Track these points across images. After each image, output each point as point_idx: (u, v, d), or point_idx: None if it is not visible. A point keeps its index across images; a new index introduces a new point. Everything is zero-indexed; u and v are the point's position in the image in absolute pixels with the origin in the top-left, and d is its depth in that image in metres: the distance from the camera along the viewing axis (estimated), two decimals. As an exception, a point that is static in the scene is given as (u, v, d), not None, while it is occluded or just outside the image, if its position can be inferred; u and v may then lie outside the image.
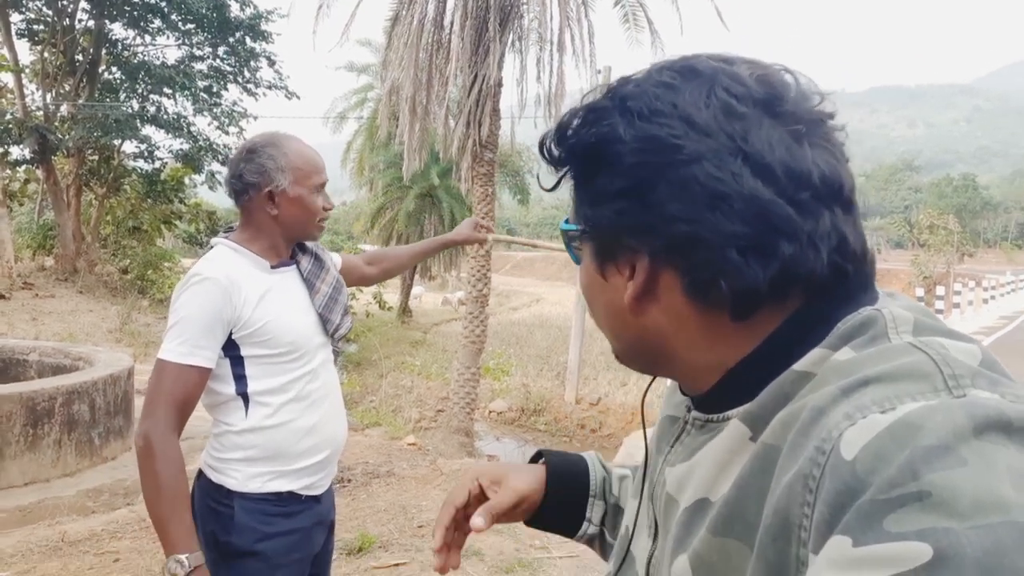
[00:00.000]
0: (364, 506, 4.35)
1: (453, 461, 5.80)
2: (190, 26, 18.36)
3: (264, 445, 1.67)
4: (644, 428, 0.77)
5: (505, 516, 0.83)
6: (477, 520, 0.79)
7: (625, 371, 12.35)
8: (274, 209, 1.70)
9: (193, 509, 1.62)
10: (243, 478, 1.66)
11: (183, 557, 1.48)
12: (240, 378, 1.66)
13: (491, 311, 11.78)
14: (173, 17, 18.01)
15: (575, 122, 0.59)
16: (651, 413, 6.79)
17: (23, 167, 18.31)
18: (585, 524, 0.87)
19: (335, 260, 2.02)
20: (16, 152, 17.39)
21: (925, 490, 0.38)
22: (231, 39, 18.52)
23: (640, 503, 0.71)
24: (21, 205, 21.88)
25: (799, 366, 0.52)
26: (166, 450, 1.53)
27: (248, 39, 18.76)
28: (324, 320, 1.79)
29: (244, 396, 1.66)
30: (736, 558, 0.50)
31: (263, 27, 18.60)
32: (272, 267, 1.73)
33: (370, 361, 16.63)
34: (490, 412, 13.18)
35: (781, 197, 0.52)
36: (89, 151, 17.75)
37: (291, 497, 1.70)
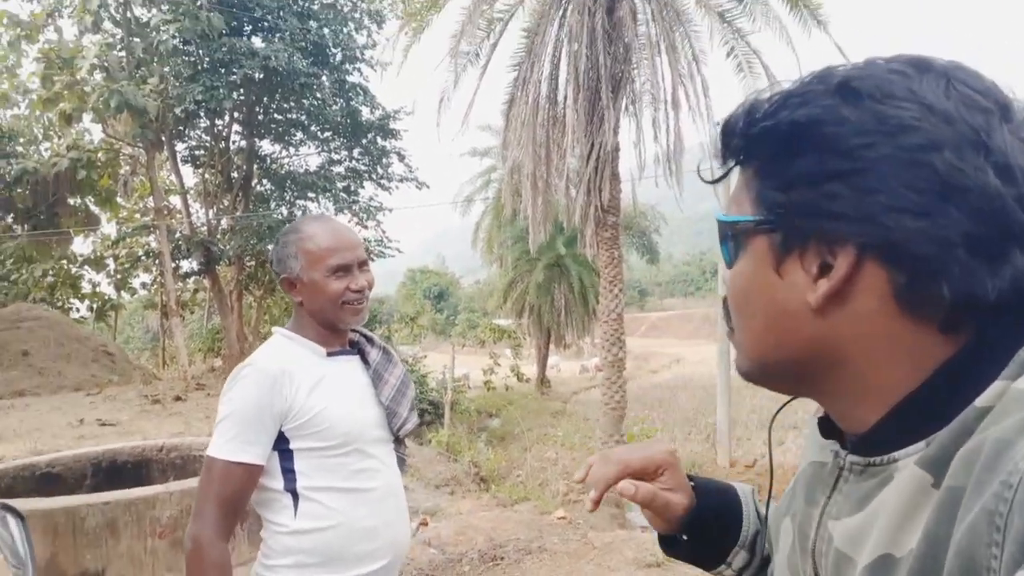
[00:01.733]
0: (519, 584, 4.29)
1: (605, 534, 5.63)
2: (327, 134, 20.02)
3: (316, 549, 1.53)
4: (771, 457, 0.71)
5: (650, 505, 0.78)
6: (628, 486, 0.75)
7: (782, 430, 11.64)
8: (297, 296, 1.63)
9: None
10: None
11: None
12: (289, 472, 1.54)
13: (630, 375, 11.57)
14: (313, 128, 19.74)
15: (768, 107, 0.55)
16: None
17: (192, 278, 20.36)
18: (724, 567, 0.82)
19: None
20: (185, 265, 19.42)
21: None
22: (364, 140, 19.98)
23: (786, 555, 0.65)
24: (192, 313, 24.25)
25: (981, 401, 0.47)
26: (213, 555, 1.44)
27: (379, 139, 20.16)
28: (391, 414, 1.67)
29: (293, 493, 1.54)
30: None
31: (391, 126, 19.97)
32: (328, 354, 1.64)
33: (512, 435, 16.67)
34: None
35: (1018, 203, 0.47)
36: (247, 258, 19.46)
37: None
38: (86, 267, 24.71)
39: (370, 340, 1.76)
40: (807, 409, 0.65)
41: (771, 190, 0.55)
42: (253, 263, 20.16)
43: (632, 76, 10.35)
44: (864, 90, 0.51)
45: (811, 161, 0.52)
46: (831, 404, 0.59)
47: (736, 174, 0.60)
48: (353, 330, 1.74)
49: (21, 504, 0.93)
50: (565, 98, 10.37)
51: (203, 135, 19.78)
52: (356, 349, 1.73)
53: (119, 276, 25.15)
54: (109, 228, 23.33)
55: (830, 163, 0.51)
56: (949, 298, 0.48)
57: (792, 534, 0.65)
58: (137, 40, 16.45)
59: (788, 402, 0.66)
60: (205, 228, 19.76)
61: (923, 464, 0.49)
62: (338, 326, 1.65)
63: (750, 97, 0.57)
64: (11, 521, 0.91)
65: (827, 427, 0.62)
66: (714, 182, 0.62)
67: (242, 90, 17.66)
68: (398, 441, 1.75)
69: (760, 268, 0.57)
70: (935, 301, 0.49)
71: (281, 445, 1.54)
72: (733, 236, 0.59)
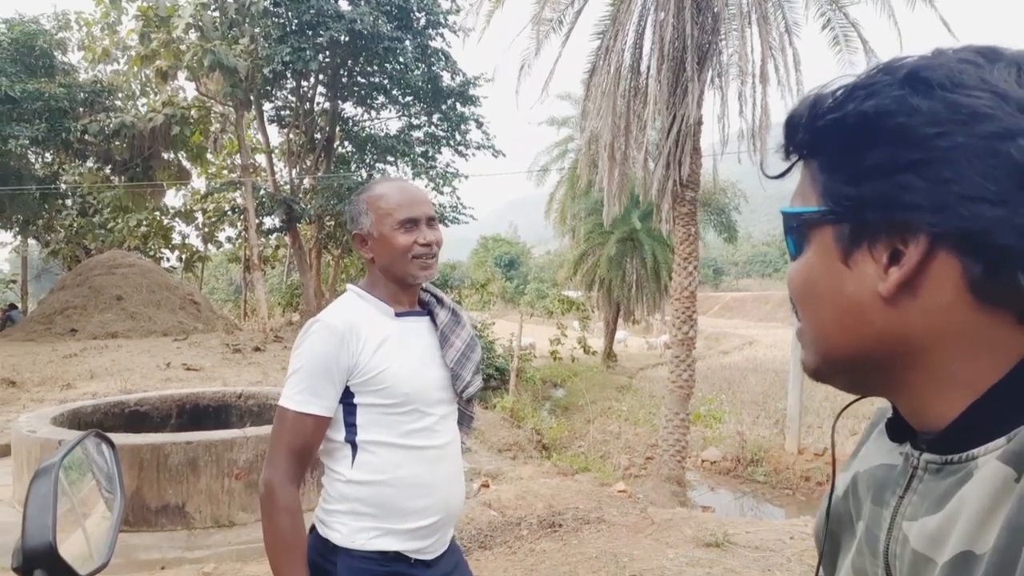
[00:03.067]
0: (575, 552, 4.33)
1: (664, 510, 5.62)
2: (408, 99, 20.25)
3: (370, 499, 1.58)
4: (834, 461, 0.68)
5: None
6: None
7: (855, 419, 11.28)
8: (368, 252, 1.67)
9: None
10: (348, 532, 1.57)
11: None
12: (351, 426, 1.59)
13: (700, 355, 11.40)
14: (394, 92, 20.00)
15: (833, 99, 0.55)
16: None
17: (274, 235, 21.07)
18: None
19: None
20: (268, 222, 20.11)
21: None
22: (444, 106, 20.13)
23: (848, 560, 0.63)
24: (272, 268, 25.17)
25: None
26: (285, 500, 1.50)
27: (458, 105, 20.27)
28: (455, 376, 1.69)
29: (352, 444, 1.59)
30: None
31: (471, 92, 20.02)
32: (397, 314, 1.67)
33: (576, 406, 16.73)
34: (703, 461, 12.63)
35: None
36: (327, 218, 19.99)
37: (398, 558, 1.59)
38: (177, 219, 25.96)
39: (440, 301, 1.77)
40: (878, 402, 0.64)
41: (840, 183, 0.54)
42: (332, 223, 20.70)
43: (719, 47, 10.01)
44: (935, 80, 0.50)
45: (882, 152, 0.51)
46: (905, 400, 0.57)
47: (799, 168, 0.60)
48: (424, 289, 1.76)
49: (112, 438, 0.99)
50: (648, 68, 10.13)
51: (289, 96, 20.30)
52: (426, 310, 1.74)
53: (207, 229, 26.33)
54: (199, 183, 24.42)
55: (902, 153, 0.50)
56: None
57: (857, 538, 0.63)
58: (230, 1, 16.92)
59: (854, 400, 0.65)
60: (288, 187, 20.38)
61: (1006, 459, 0.48)
62: (407, 281, 1.66)
63: (813, 91, 0.57)
64: (104, 449, 0.97)
65: (894, 430, 0.62)
66: (778, 176, 0.62)
67: (327, 52, 18.00)
68: (466, 401, 1.77)
69: (827, 260, 0.56)
70: (1013, 292, 0.48)
71: (347, 399, 1.59)
72: (798, 228, 0.59)
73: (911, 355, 0.53)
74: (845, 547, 0.67)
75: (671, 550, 4.25)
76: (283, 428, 1.54)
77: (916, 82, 0.51)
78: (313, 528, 1.65)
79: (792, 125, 0.58)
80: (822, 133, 0.56)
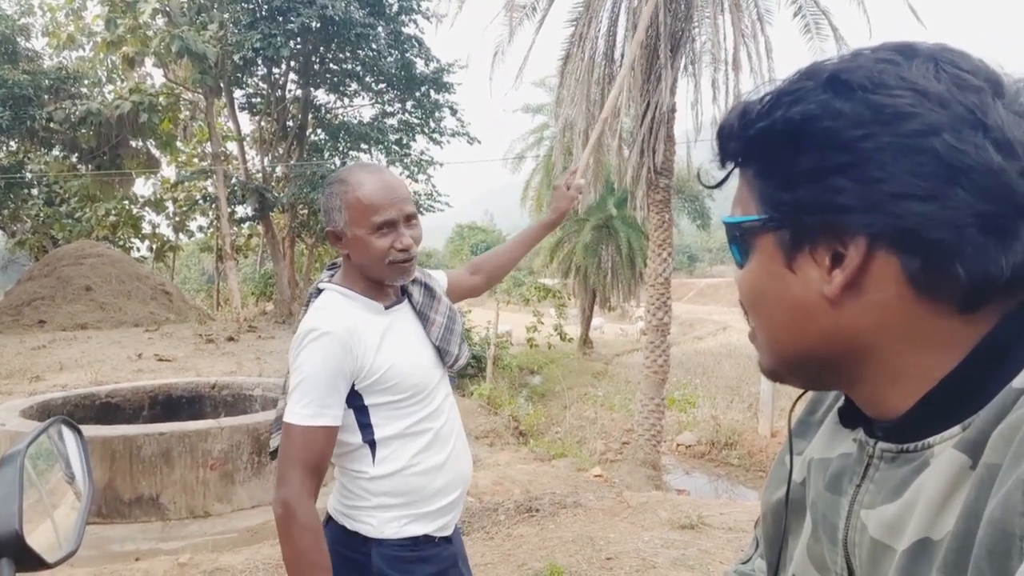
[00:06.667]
0: (552, 536, 4.37)
1: (640, 494, 5.68)
2: (382, 86, 20.04)
3: (397, 490, 1.59)
4: (791, 451, 0.69)
5: None
6: None
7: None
8: (344, 249, 1.60)
9: None
10: (379, 523, 1.59)
11: None
12: (366, 427, 1.58)
13: (674, 340, 11.50)
14: (367, 79, 19.78)
15: (761, 107, 0.56)
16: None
17: (246, 224, 20.81)
18: None
19: (441, 281, 1.90)
20: (240, 211, 19.85)
21: None
22: (417, 93, 19.96)
23: (801, 546, 0.64)
24: (246, 257, 24.87)
25: (1019, 383, 0.47)
26: (305, 518, 1.46)
27: (432, 92, 20.11)
28: (443, 352, 1.69)
29: (371, 443, 1.59)
30: None
31: (445, 79, 19.87)
32: (386, 308, 1.64)
33: (553, 392, 16.80)
34: (678, 445, 12.78)
35: (1022, 177, 0.48)
36: (300, 206, 19.78)
37: (427, 540, 1.62)
38: (147, 208, 25.50)
39: (413, 279, 1.73)
40: None
41: (775, 189, 0.55)
42: (306, 211, 20.50)
43: (692, 35, 10.03)
44: (855, 82, 0.51)
45: (811, 157, 0.52)
46: (861, 393, 0.58)
47: (735, 176, 0.61)
48: None
49: (79, 426, 0.98)
50: (622, 56, 10.14)
51: (260, 83, 20.00)
52: (403, 292, 1.71)
53: (177, 218, 25.90)
54: (169, 171, 24.01)
55: (831, 158, 0.51)
56: (965, 279, 0.48)
57: (811, 525, 0.64)
58: (199, -15, 16.60)
59: (803, 394, 0.66)
60: (260, 175, 20.12)
61: (962, 447, 0.49)
62: (384, 283, 1.63)
63: (742, 100, 0.58)
64: (71, 436, 0.96)
65: (847, 417, 0.62)
66: (715, 187, 0.63)
67: (299, 39, 17.74)
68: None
69: (772, 266, 0.57)
70: (951, 283, 0.49)
71: (355, 402, 1.56)
72: (741, 237, 0.59)
73: (861, 352, 0.54)
74: (795, 533, 0.67)
75: (647, 533, 4.30)
76: (294, 444, 1.48)
77: (838, 86, 0.52)
78: (330, 520, 1.65)
79: (724, 135, 0.59)
80: (753, 141, 0.56)
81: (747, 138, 0.57)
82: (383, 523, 1.59)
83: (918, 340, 0.52)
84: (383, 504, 1.59)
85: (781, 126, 0.54)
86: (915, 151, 0.48)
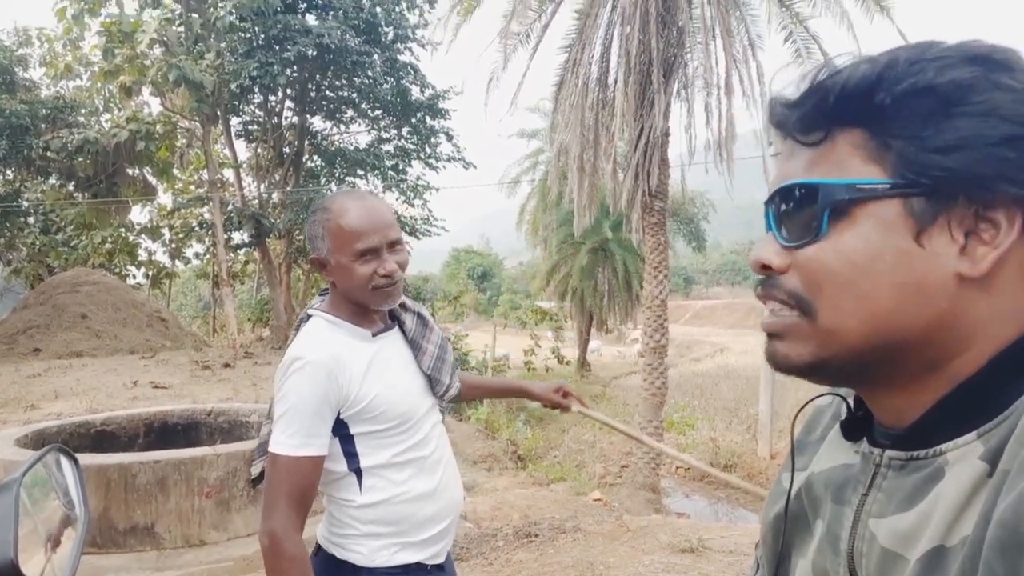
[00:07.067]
0: (551, 561, 4.33)
1: (640, 518, 5.64)
2: (377, 112, 20.19)
3: (386, 518, 1.58)
4: (793, 461, 0.68)
5: None
6: None
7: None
8: (329, 276, 1.60)
9: None
10: (369, 552, 1.57)
11: None
12: (352, 455, 1.57)
13: (672, 362, 11.49)
14: (363, 106, 19.93)
15: (908, 67, 0.53)
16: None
17: (243, 250, 20.82)
18: None
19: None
20: (237, 237, 19.88)
21: None
22: (413, 119, 20.11)
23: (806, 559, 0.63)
24: (242, 284, 24.84)
25: None
26: (292, 550, 1.45)
27: (428, 118, 20.26)
28: (434, 382, 1.69)
29: (357, 472, 1.58)
30: None
31: (440, 105, 20.03)
32: (373, 335, 1.63)
33: (551, 416, 16.72)
34: (677, 468, 12.71)
35: None
36: (296, 232, 19.79)
37: (419, 568, 1.61)
38: (143, 235, 25.50)
39: (404, 306, 1.73)
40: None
41: (928, 152, 0.51)
42: (302, 237, 20.46)
43: (685, 60, 10.16)
44: (1012, 62, 0.52)
45: (973, 124, 0.50)
46: (886, 395, 0.57)
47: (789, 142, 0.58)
48: None
49: (74, 454, 0.98)
50: (615, 81, 10.24)
51: (257, 110, 20.13)
52: (394, 319, 1.71)
53: (174, 245, 25.90)
54: (165, 199, 24.05)
55: (997, 127, 0.49)
56: None
57: (816, 538, 0.63)
58: (195, 16, 16.77)
59: (811, 400, 0.65)
60: (257, 201, 20.17)
61: (985, 457, 0.49)
62: (370, 308, 1.62)
63: (859, 59, 0.55)
64: (67, 465, 0.96)
65: (849, 430, 0.62)
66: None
67: (295, 67, 17.90)
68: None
69: (890, 237, 0.52)
70: None
71: (341, 431, 1.55)
72: (840, 202, 0.53)
73: (948, 342, 0.52)
74: (798, 548, 0.67)
75: (647, 557, 4.27)
76: (279, 475, 1.47)
77: (993, 64, 0.51)
78: (319, 549, 1.64)
79: (849, 90, 0.54)
80: (904, 98, 0.52)
81: (896, 94, 0.52)
82: (373, 551, 1.57)
83: (1000, 331, 0.51)
84: (373, 532, 1.58)
85: (944, 87, 0.51)
86: None
